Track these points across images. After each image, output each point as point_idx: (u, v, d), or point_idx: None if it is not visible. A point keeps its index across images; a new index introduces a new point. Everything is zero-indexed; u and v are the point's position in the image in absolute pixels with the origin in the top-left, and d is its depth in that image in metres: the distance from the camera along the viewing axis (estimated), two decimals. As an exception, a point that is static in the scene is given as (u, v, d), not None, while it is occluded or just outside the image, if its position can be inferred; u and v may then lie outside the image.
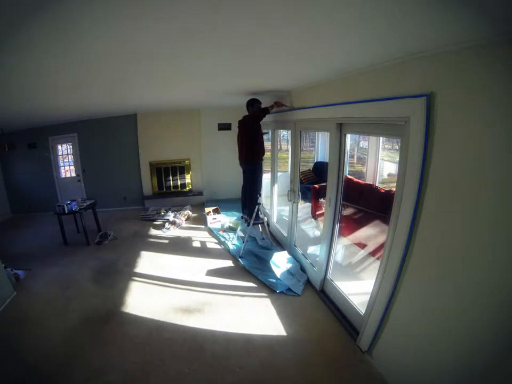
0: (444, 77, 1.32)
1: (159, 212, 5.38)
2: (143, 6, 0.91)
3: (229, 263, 3.58)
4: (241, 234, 4.07)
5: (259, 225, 4.00)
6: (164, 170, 6.11)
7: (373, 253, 3.28)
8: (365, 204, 3.83)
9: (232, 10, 0.97)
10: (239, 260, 3.55)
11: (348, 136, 2.41)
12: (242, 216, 3.95)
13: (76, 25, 1.04)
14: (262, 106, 3.51)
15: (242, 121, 3.65)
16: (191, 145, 6.09)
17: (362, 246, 3.57)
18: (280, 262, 3.17)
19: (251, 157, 3.56)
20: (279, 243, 4.01)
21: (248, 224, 3.68)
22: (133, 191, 6.12)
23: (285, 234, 3.80)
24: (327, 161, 2.63)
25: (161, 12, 0.96)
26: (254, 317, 2.55)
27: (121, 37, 1.21)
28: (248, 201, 3.72)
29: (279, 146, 5.49)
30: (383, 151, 4.69)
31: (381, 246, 2.60)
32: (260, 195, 3.66)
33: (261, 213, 3.72)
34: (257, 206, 3.57)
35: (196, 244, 4.21)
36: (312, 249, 3.44)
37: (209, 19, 1.05)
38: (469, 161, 1.25)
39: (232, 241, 4.10)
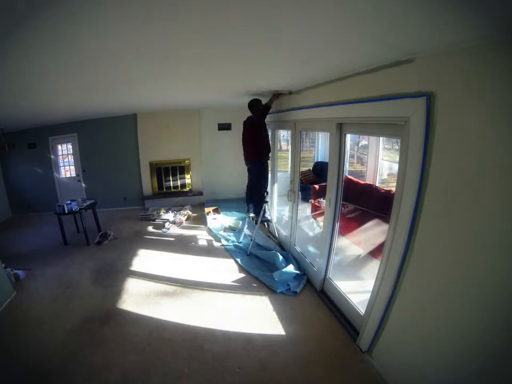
0: (443, 77, 1.32)
1: (159, 212, 5.38)
2: (144, 5, 0.91)
3: (229, 263, 3.58)
4: (248, 233, 4.06)
5: (265, 224, 4.18)
6: (163, 170, 6.11)
7: (373, 253, 3.28)
8: (365, 203, 3.83)
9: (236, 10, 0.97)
10: (238, 260, 3.55)
11: (348, 136, 2.41)
12: (248, 216, 3.98)
13: (74, 24, 1.04)
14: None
15: (247, 121, 3.74)
16: (191, 145, 6.09)
17: (362, 245, 3.57)
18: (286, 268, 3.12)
19: (259, 156, 3.62)
20: (279, 243, 4.01)
21: (256, 222, 3.73)
22: (133, 191, 6.12)
23: (285, 234, 3.80)
24: (327, 161, 2.63)
25: (163, 11, 0.96)
26: (253, 316, 2.55)
27: (122, 36, 1.21)
28: (255, 199, 3.77)
29: (279, 146, 5.49)
30: (383, 151, 4.69)
31: (381, 246, 2.60)
32: (267, 193, 3.72)
33: (268, 211, 3.83)
34: (264, 205, 3.67)
35: (196, 244, 4.21)
36: (312, 249, 3.44)
37: (211, 19, 1.05)
38: (469, 161, 1.25)
39: (231, 240, 4.11)
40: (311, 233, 4.10)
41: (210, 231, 4.64)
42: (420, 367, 1.60)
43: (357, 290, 2.58)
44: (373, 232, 3.54)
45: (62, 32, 1.11)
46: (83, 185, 5.95)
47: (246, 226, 4.10)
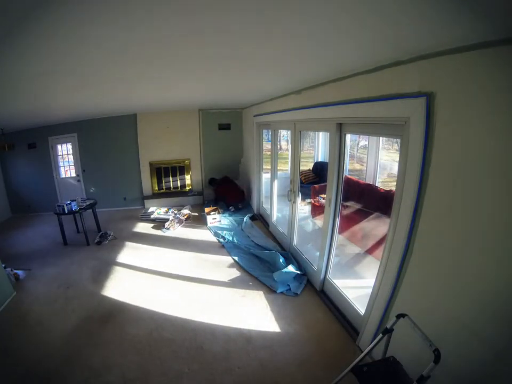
0: (443, 77, 1.32)
1: (159, 212, 5.38)
2: (143, 7, 0.91)
3: (228, 262, 3.57)
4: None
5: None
6: (163, 171, 6.11)
7: (373, 253, 3.28)
8: (365, 203, 3.83)
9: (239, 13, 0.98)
10: (238, 260, 3.55)
11: (348, 136, 2.41)
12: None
13: (75, 25, 1.04)
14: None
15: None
16: (191, 145, 6.09)
17: (362, 245, 3.57)
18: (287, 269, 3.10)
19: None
20: (279, 243, 4.01)
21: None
22: (133, 191, 6.12)
23: (285, 234, 3.80)
24: (327, 161, 2.63)
25: (161, 12, 0.96)
26: (253, 316, 2.55)
27: (121, 36, 1.21)
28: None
29: (279, 146, 5.49)
30: (383, 150, 4.70)
31: (381, 246, 2.60)
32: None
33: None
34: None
35: (196, 244, 4.21)
36: (311, 249, 3.44)
37: (209, 22, 1.05)
38: (469, 161, 1.24)
39: (231, 239, 4.11)
40: (311, 233, 4.10)
41: (210, 231, 4.64)
42: (419, 367, 1.59)
43: (357, 290, 2.58)
44: (373, 232, 3.54)
45: (61, 31, 1.11)
46: (83, 185, 5.94)
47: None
